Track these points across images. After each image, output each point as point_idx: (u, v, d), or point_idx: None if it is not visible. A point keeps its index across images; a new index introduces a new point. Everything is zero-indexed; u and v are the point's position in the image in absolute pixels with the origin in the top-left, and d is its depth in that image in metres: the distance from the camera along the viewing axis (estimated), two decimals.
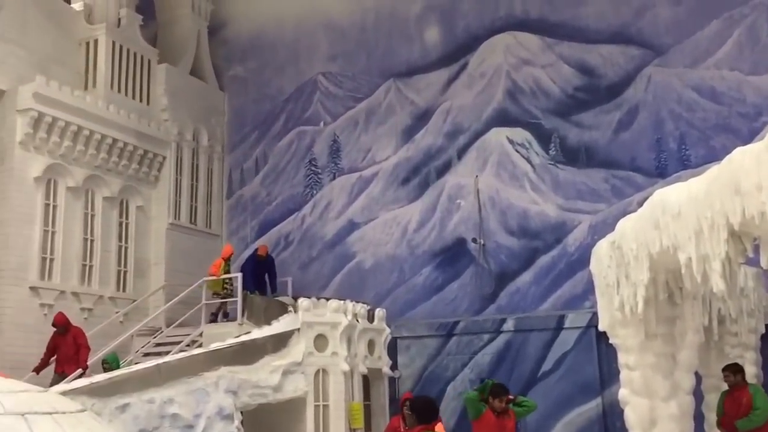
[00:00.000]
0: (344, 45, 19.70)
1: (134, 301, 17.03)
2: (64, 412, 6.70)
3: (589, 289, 11.29)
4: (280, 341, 12.36)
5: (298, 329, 12.57)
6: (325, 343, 12.73)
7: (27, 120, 15.35)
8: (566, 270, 16.03)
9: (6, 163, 15.33)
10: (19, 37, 16.08)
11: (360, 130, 19.12)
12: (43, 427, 6.30)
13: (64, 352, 13.11)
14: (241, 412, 11.12)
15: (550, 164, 16.79)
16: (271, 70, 20.54)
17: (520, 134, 17.16)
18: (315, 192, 19.34)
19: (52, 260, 15.71)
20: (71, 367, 12.80)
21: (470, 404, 8.98)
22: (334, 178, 19.21)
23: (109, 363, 12.34)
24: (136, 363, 12.98)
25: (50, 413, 6.52)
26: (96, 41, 17.70)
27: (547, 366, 15.23)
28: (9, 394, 6.51)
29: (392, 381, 15.19)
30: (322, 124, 19.60)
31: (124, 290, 17.32)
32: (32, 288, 15.21)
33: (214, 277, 15.93)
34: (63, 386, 9.46)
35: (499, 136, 17.38)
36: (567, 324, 15.30)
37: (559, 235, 16.33)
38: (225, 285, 15.88)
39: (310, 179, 19.49)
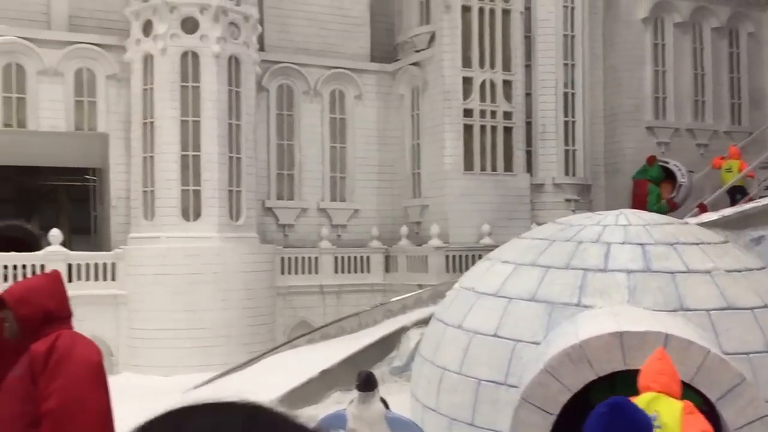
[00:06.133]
0: None
1: (750, 133, 16.30)
2: (708, 243, 6.82)
3: None
4: None
5: None
6: None
7: None
8: None
9: (612, 9, 15.70)
10: None
11: None
12: (691, 255, 6.51)
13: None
14: None
15: None
16: None
17: None
18: None
19: (664, 99, 15.88)
20: None
21: None
22: None
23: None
24: (760, 197, 12.51)
25: (696, 243, 6.70)
26: None
27: None
28: (656, 227, 6.86)
29: None
30: None
31: (739, 123, 16.72)
32: (648, 128, 15.64)
33: None
34: (698, 218, 9.62)
35: None
36: None
37: None
38: None
39: None
